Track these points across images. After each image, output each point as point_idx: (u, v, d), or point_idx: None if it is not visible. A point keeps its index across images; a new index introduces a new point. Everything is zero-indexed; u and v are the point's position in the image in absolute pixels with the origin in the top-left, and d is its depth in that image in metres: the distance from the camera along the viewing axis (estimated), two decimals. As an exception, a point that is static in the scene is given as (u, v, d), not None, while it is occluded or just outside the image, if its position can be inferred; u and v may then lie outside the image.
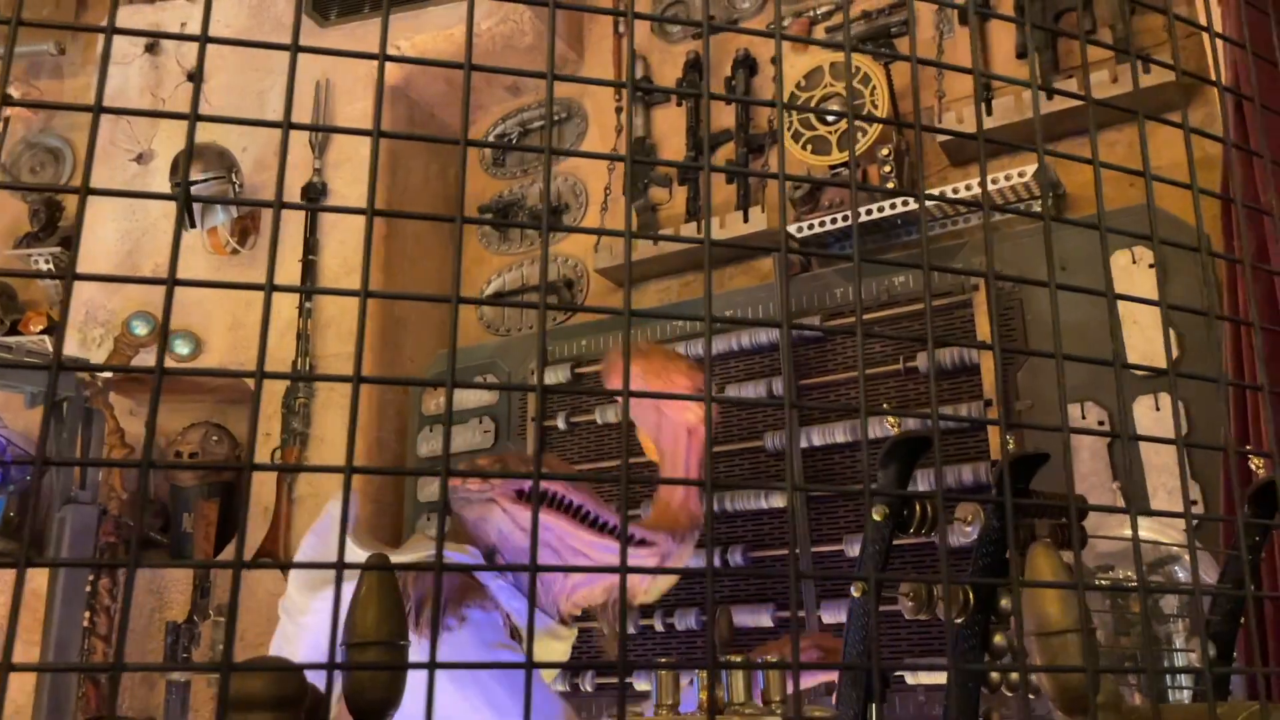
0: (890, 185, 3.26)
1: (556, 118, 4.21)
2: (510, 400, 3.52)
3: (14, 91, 4.44)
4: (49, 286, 4.44)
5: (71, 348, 3.98)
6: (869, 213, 3.24)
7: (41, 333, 4.15)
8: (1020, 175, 3.02)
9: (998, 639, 0.98)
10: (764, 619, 2.96)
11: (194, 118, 0.58)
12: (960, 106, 3.27)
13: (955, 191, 3.14)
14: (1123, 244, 2.65)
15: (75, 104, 0.53)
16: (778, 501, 2.99)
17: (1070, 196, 3.14)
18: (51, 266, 4.40)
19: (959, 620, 0.97)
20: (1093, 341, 2.57)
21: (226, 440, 3.99)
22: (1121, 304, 2.57)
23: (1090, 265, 2.64)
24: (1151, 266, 2.62)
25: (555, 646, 1.71)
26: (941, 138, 3.32)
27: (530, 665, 0.52)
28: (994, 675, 0.93)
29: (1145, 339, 2.65)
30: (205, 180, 3.78)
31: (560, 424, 3.41)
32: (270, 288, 0.56)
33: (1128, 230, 0.86)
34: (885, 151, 3.27)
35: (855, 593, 0.94)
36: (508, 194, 4.25)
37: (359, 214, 0.62)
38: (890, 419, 1.08)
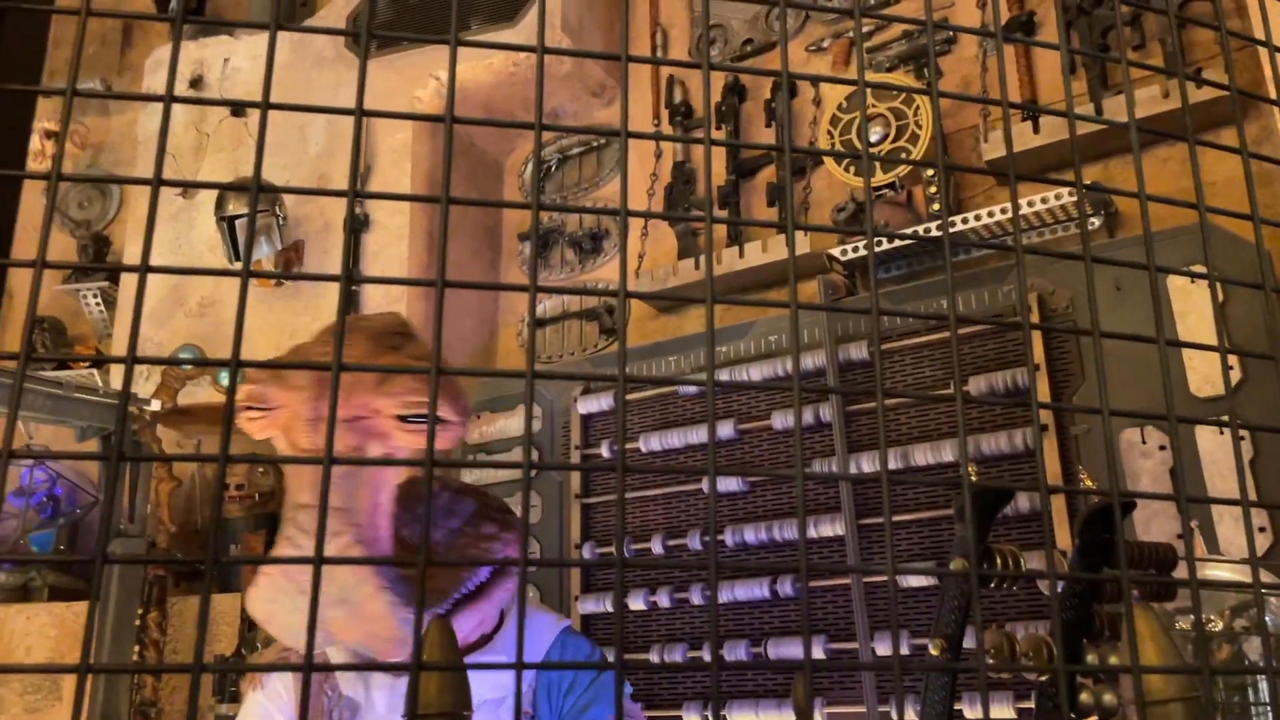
0: (935, 206, 3.21)
1: (595, 144, 4.20)
2: (553, 428, 3.50)
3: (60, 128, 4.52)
4: (97, 321, 4.49)
5: (117, 379, 4.02)
6: (914, 233, 3.19)
7: (89, 367, 4.20)
8: (1071, 194, 2.95)
9: (1084, 697, 0.94)
10: (816, 651, 2.90)
11: (255, 188, 0.56)
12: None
13: (1003, 211, 3.08)
14: (1181, 260, 2.58)
15: (136, 178, 0.51)
16: (827, 530, 2.94)
17: (1123, 215, 3.07)
18: (100, 301, 4.46)
19: (1042, 678, 0.93)
20: (1151, 364, 2.51)
21: (273, 471, 4.01)
22: (1182, 323, 2.49)
23: (1146, 285, 2.57)
24: (1209, 286, 2.54)
25: None
26: (988, 155, 3.27)
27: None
28: (1082, 736, 0.89)
29: (1205, 359, 2.57)
30: (248, 214, 3.80)
31: (604, 451, 3.39)
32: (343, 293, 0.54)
33: (1181, 270, 0.82)
34: (931, 172, 3.22)
35: (934, 650, 0.90)
36: (548, 221, 4.25)
37: (435, 201, 0.59)
38: (970, 466, 1.04)
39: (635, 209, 4.02)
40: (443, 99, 4.07)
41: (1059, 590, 0.95)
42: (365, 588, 1.21)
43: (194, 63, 4.39)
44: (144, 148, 4.39)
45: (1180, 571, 1.08)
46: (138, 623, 3.44)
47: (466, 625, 1.38)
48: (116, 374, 4.03)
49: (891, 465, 2.90)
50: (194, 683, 0.46)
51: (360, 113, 0.56)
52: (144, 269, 0.53)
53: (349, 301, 3.79)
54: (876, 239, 2.74)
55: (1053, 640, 0.91)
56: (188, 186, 0.54)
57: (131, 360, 0.52)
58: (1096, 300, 0.67)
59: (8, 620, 3.76)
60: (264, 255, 3.88)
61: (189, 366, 3.29)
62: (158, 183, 0.53)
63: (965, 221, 3.11)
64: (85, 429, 3.67)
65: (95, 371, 4.24)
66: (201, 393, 4.00)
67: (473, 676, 1.35)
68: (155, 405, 3.71)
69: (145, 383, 4.01)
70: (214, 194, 3.94)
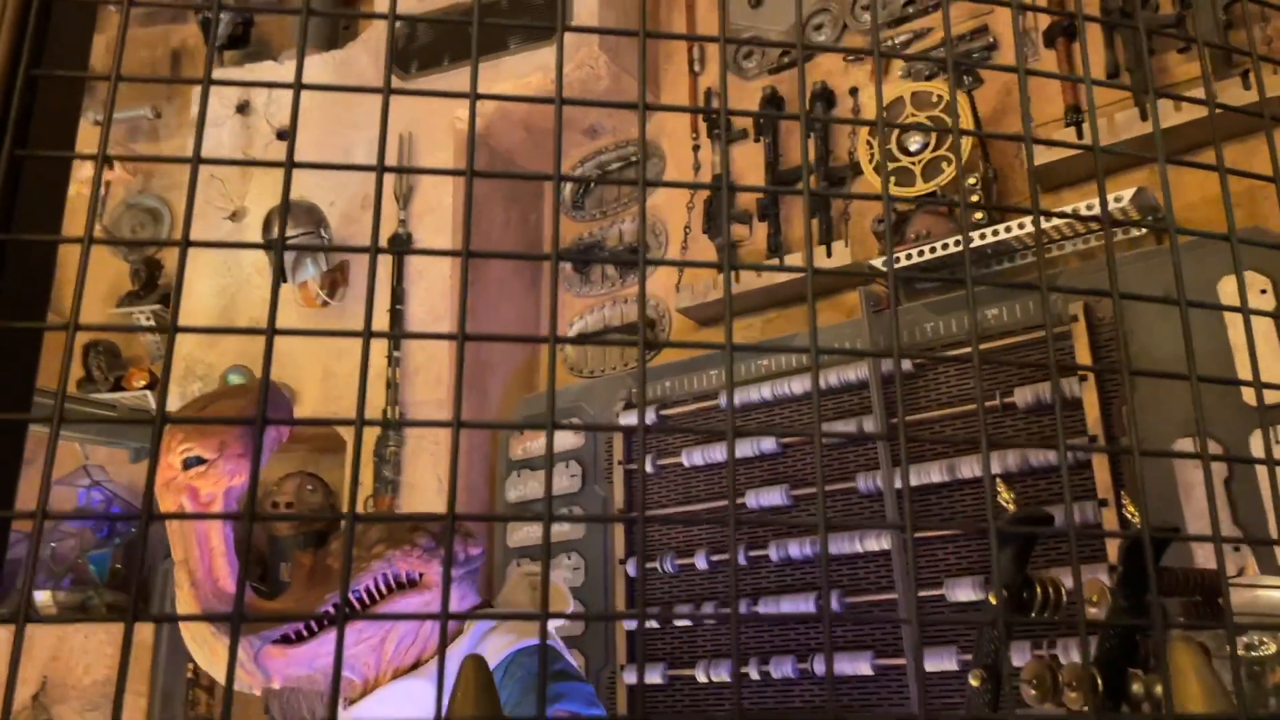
0: (978, 215, 3.17)
1: (633, 159, 4.21)
2: (596, 443, 3.51)
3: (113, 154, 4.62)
4: (150, 343, 4.59)
5: (172, 401, 4.10)
6: (958, 243, 3.16)
7: (144, 388, 4.29)
8: (1116, 200, 2.91)
9: (1131, 727, 0.92)
10: (863, 667, 2.87)
11: (289, 164, 0.57)
12: (1049, 130, 3.17)
13: (1047, 219, 3.03)
14: (1231, 266, 2.52)
15: (175, 156, 0.52)
16: (873, 544, 2.91)
17: (1177, 220, 3.00)
18: (152, 323, 4.55)
19: (1086, 709, 0.91)
20: (1202, 371, 2.45)
21: (321, 489, 4.05)
22: (1234, 329, 2.42)
23: (1196, 292, 2.52)
24: (1264, 293, 2.48)
25: None
26: (1034, 162, 3.22)
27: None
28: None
29: (1261, 366, 2.51)
30: (296, 236, 3.87)
31: (648, 466, 3.39)
32: (368, 333, 0.55)
33: (1219, 304, 0.79)
34: (972, 180, 3.19)
35: (974, 681, 0.88)
36: (587, 236, 4.26)
37: (453, 255, 0.60)
38: (1004, 492, 1.03)
39: (674, 223, 4.03)
40: (484, 118, 4.11)
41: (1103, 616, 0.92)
42: (204, 631, 1.40)
43: (239, 89, 4.47)
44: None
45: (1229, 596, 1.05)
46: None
47: (328, 648, 1.45)
48: (171, 396, 4.11)
49: (937, 478, 2.86)
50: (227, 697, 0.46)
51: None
52: (185, 243, 0.54)
53: (395, 322, 3.83)
54: (917, 250, 2.69)
55: (1097, 670, 0.89)
56: (222, 163, 0.55)
57: (167, 367, 0.53)
58: (1126, 337, 0.66)
59: (67, 639, 3.85)
60: (310, 276, 3.94)
61: (238, 383, 3.31)
62: (196, 161, 0.55)
63: (1009, 230, 3.07)
64: (138, 450, 3.75)
65: (149, 393, 4.33)
66: (250, 409, 4.06)
67: (408, 699, 1.39)
68: (206, 426, 3.77)
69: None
70: (260, 217, 4.01)
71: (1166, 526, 0.90)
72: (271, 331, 0.55)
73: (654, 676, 3.18)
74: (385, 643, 1.50)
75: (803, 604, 3.00)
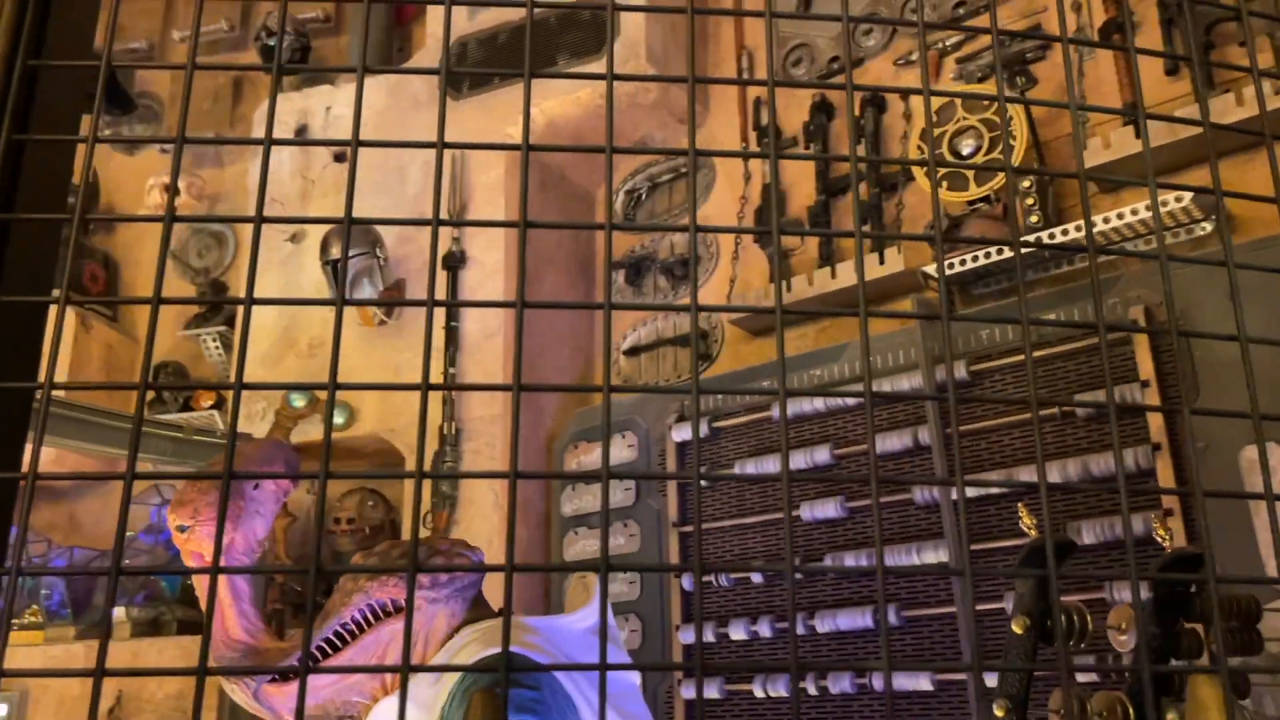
0: (1034, 218, 3.10)
1: (683, 170, 4.21)
2: (649, 456, 3.50)
3: (180, 182, 4.77)
4: (217, 364, 4.71)
5: (242, 424, 4.20)
6: (1038, 237, 3.10)
7: (210, 408, 4.40)
8: (1178, 200, 2.82)
9: (1166, 760, 0.88)
10: (923, 683, 2.82)
11: (348, 220, 0.57)
12: (1106, 130, 3.09)
13: (1105, 220, 2.96)
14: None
15: (240, 215, 0.53)
16: (930, 557, 2.86)
17: (1237, 219, 2.91)
18: (219, 344, 4.67)
19: (1119, 738, 0.88)
20: (1275, 376, 2.37)
21: (382, 505, 4.12)
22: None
23: (1263, 291, 2.43)
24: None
25: None
26: (1090, 161, 3.15)
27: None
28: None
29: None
30: (353, 257, 3.94)
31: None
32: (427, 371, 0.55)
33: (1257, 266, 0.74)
34: (1027, 183, 3.12)
35: (999, 712, 0.86)
36: (639, 249, 4.27)
37: (511, 226, 0.60)
38: (1026, 518, 1.00)
39: (728, 235, 4.01)
40: (534, 134, 4.14)
41: (1139, 641, 0.90)
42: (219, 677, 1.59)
43: (298, 112, 4.57)
44: (252, 195, 4.59)
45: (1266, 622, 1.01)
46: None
47: (326, 680, 1.54)
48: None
49: (994, 490, 2.80)
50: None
51: (441, 145, 0.57)
52: (249, 301, 0.55)
53: (450, 339, 3.88)
54: (970, 253, 2.65)
55: (1128, 699, 0.87)
56: (288, 222, 0.57)
57: (239, 386, 0.54)
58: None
59: (140, 653, 3.95)
60: (367, 294, 4.00)
61: (300, 405, 3.39)
62: (259, 220, 0.56)
63: (1065, 233, 3.00)
64: (200, 469, 3.85)
65: (216, 413, 4.44)
66: (314, 430, 4.14)
67: (392, 716, 1.43)
68: (269, 444, 3.85)
69: (260, 423, 4.18)
70: (318, 239, 4.09)
71: (1193, 550, 0.86)
72: (336, 380, 0.56)
73: (711, 691, 3.16)
74: (384, 663, 1.56)
75: (860, 618, 2.96)
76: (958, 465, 0.56)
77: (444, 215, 4.14)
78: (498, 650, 1.46)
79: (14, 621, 4.03)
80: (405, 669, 0.47)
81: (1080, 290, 2.83)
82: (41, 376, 0.52)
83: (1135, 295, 2.80)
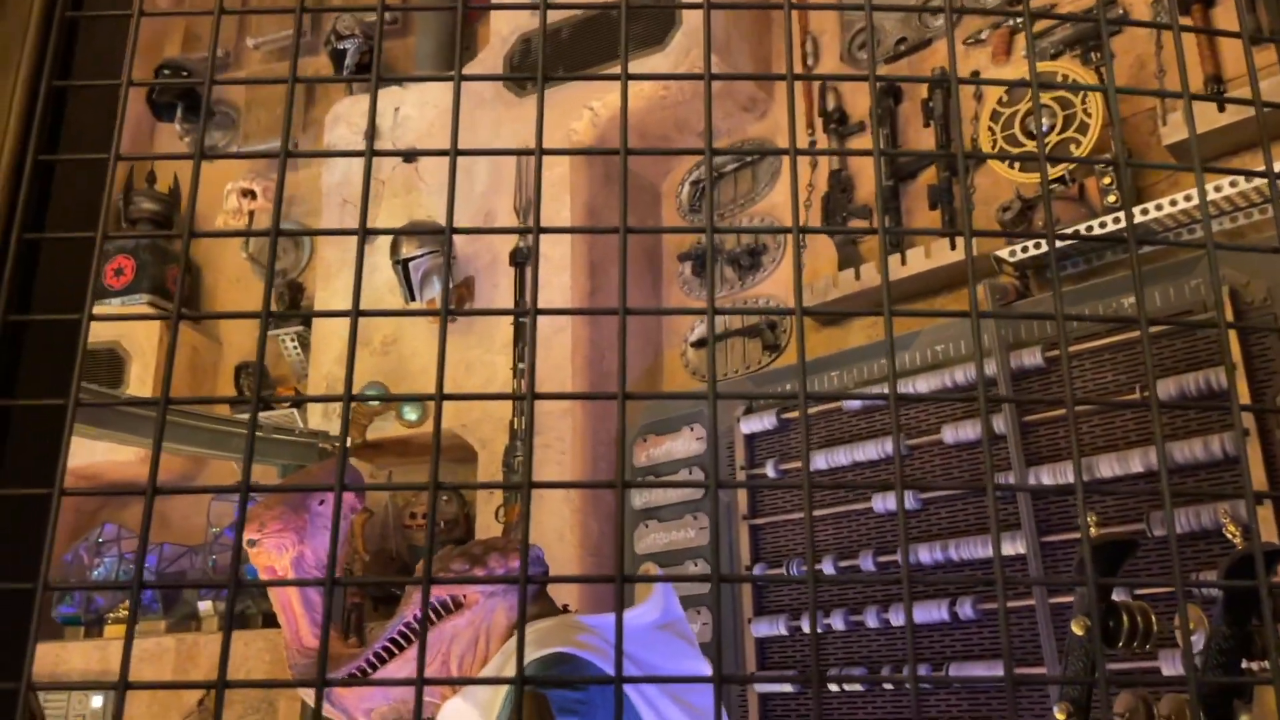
0: (1111, 198, 3.00)
1: (748, 159, 4.17)
2: (719, 448, 3.48)
3: (255, 186, 4.89)
4: (295, 363, 4.82)
5: (314, 419, 4.30)
6: (1089, 228, 3.01)
7: (290, 407, 4.50)
8: (1264, 177, 2.69)
9: (1241, 768, 0.84)
10: (1000, 673, 2.75)
11: (450, 231, 0.58)
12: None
13: (1188, 199, 2.84)
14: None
15: (343, 229, 0.54)
16: (1008, 549, 2.79)
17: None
18: (296, 344, 4.78)
19: (1191, 745, 0.84)
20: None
21: (455, 499, 4.17)
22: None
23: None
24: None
25: None
26: (1168, 139, 3.04)
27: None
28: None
29: None
30: (421, 255, 3.99)
31: (769, 470, 3.34)
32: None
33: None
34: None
35: (1060, 715, 0.83)
36: (705, 240, 4.25)
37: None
38: (1090, 516, 0.96)
39: (791, 220, 3.96)
40: (597, 129, 4.15)
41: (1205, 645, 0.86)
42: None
43: (366, 113, 4.64)
44: (329, 198, 4.69)
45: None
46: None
47: (402, 671, 1.60)
48: (312, 413, 4.31)
49: (1073, 479, 2.72)
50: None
51: (540, 152, 0.57)
52: (355, 313, 0.55)
53: (519, 334, 3.91)
54: (1056, 238, 2.59)
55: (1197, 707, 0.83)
56: (389, 233, 0.57)
57: (348, 399, 0.55)
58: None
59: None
60: (437, 294, 4.06)
61: (376, 404, 3.45)
62: (363, 232, 0.56)
63: (1145, 213, 2.90)
64: (285, 466, 3.94)
65: (295, 411, 4.54)
66: (388, 427, 4.22)
67: (457, 715, 1.46)
68: (347, 442, 3.93)
69: (336, 418, 4.26)
70: (389, 238, 4.15)
71: (1274, 546, 0.82)
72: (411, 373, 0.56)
73: (783, 685, 3.14)
74: (448, 662, 1.59)
75: (935, 612, 2.90)
76: (988, 465, 0.53)
77: (512, 211, 4.17)
78: (549, 651, 1.47)
79: (109, 615, 4.20)
80: (419, 682, 0.46)
81: (1163, 271, 2.72)
82: (76, 386, 0.53)
83: (1220, 275, 2.68)
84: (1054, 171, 3.07)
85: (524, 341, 3.99)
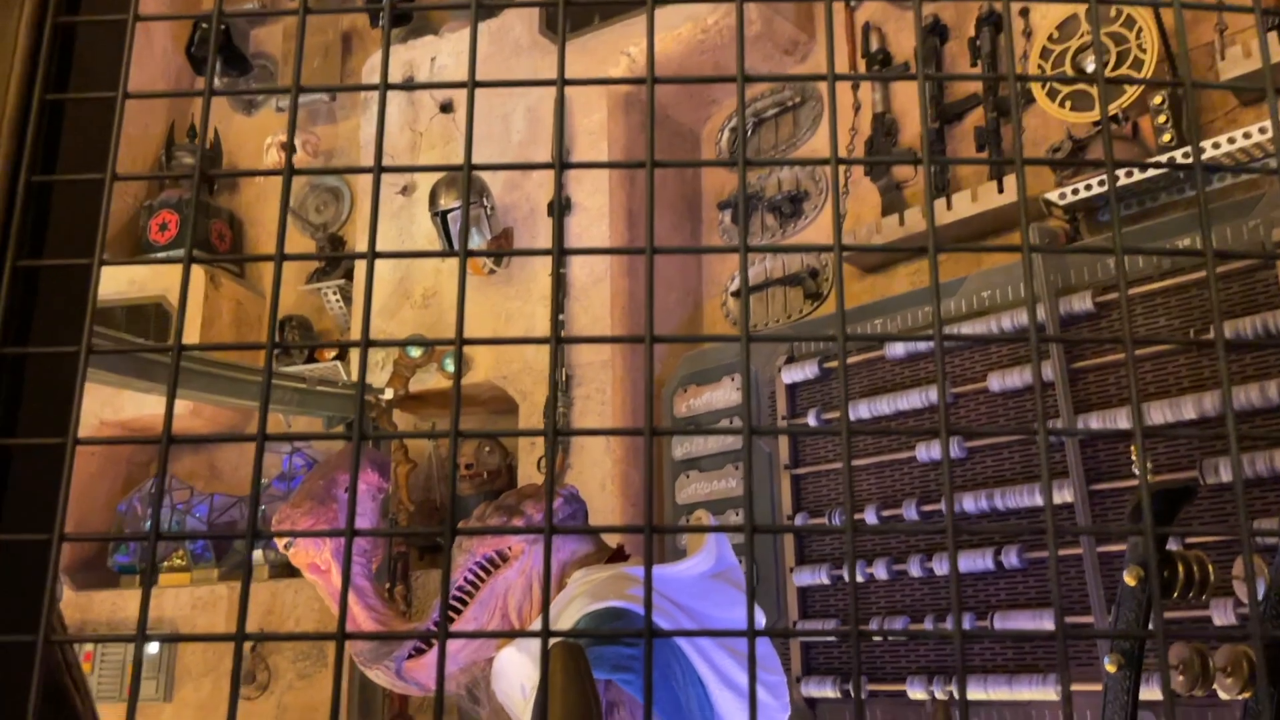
0: (1166, 137, 2.90)
1: (790, 104, 4.08)
2: (759, 398, 3.46)
3: (295, 139, 4.89)
4: (339, 316, 4.85)
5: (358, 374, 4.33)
6: (1143, 169, 2.91)
7: (334, 359, 4.54)
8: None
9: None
10: (1046, 623, 2.73)
11: (468, 168, 0.56)
12: (1247, 38, 2.85)
13: (1261, 131, 2.73)
14: None
15: (358, 167, 0.52)
16: (1056, 498, 2.75)
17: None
18: (339, 298, 4.81)
19: (1243, 695, 0.82)
20: None
21: (498, 450, 4.20)
22: None
23: None
24: None
25: None
26: (1227, 73, 2.92)
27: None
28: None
29: None
30: (460, 206, 3.97)
31: (811, 420, 3.32)
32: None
33: None
34: (1159, 100, 2.92)
35: (1110, 668, 0.81)
36: (748, 186, 4.18)
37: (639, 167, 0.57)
38: (1141, 463, 0.93)
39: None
40: (635, 72, 4.08)
41: (1260, 600, 0.83)
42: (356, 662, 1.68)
43: (404, 64, 4.61)
44: (366, 150, 4.68)
45: None
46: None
47: (459, 643, 1.60)
48: (357, 364, 4.34)
49: (1124, 425, 2.66)
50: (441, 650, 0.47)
51: (562, 83, 0.55)
52: (371, 255, 0.54)
53: (559, 285, 3.90)
54: (1098, 176, 2.49)
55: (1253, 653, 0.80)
56: (405, 170, 0.56)
57: (365, 344, 0.54)
58: None
59: (279, 594, 4.16)
60: (475, 244, 4.04)
61: (417, 354, 3.47)
62: (378, 170, 0.55)
63: (1202, 152, 2.80)
64: (330, 419, 3.99)
65: (339, 364, 4.58)
66: (430, 379, 4.24)
67: (511, 666, 1.47)
68: (389, 394, 3.96)
69: (381, 372, 4.30)
70: (428, 190, 4.14)
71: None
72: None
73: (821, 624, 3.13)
74: (507, 614, 1.59)
75: (980, 561, 2.88)
76: (1039, 408, 0.51)
77: (551, 159, 4.14)
78: (602, 605, 1.46)
79: (162, 564, 4.29)
80: (443, 635, 0.45)
81: (1220, 212, 2.63)
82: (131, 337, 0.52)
83: (1277, 215, 2.59)
84: (1108, 109, 2.97)
85: (563, 292, 3.98)
